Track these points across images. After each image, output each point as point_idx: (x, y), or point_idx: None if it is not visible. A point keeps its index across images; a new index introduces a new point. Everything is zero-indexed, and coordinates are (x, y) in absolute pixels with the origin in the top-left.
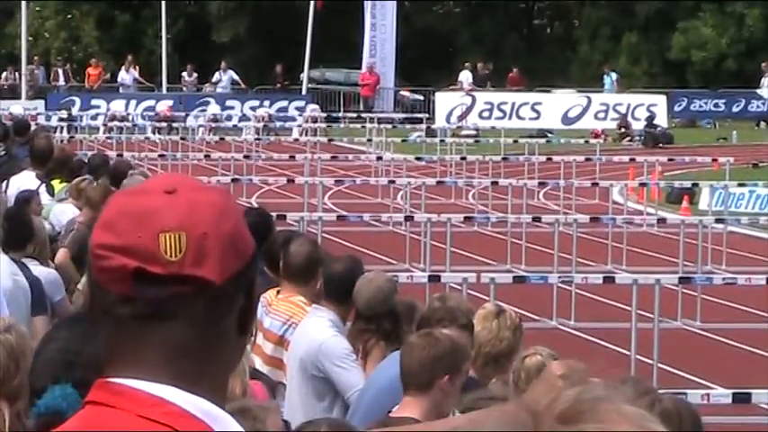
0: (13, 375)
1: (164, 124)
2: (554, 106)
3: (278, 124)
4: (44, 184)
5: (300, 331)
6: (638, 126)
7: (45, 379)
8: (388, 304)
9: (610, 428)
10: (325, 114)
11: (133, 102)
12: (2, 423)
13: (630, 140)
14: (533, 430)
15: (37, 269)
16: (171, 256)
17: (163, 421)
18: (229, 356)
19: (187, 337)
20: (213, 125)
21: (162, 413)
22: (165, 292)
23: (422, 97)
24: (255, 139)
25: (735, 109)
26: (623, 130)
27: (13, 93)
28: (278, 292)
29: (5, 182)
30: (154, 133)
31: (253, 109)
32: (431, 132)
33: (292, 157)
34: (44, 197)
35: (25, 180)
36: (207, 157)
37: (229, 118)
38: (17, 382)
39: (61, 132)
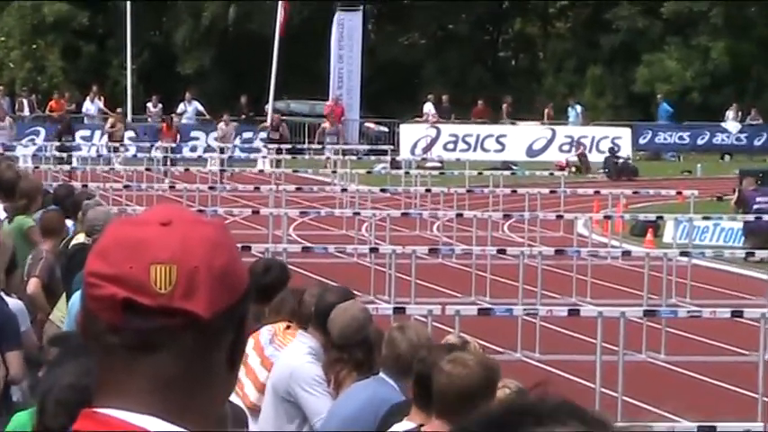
0: None
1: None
2: (519, 138)
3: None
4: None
5: (280, 355)
6: (599, 158)
7: (61, 418)
8: (361, 333)
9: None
10: (289, 146)
11: (98, 132)
12: None
13: (587, 171)
14: None
15: (10, 301)
16: (161, 288)
17: None
18: (217, 391)
19: (174, 370)
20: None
21: None
22: (153, 323)
23: (386, 129)
24: (220, 170)
25: (699, 142)
26: (581, 161)
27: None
28: (287, 326)
29: None
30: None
31: (216, 140)
32: (395, 164)
33: (257, 189)
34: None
35: None
36: (172, 187)
37: (194, 149)
38: None
39: (25, 162)
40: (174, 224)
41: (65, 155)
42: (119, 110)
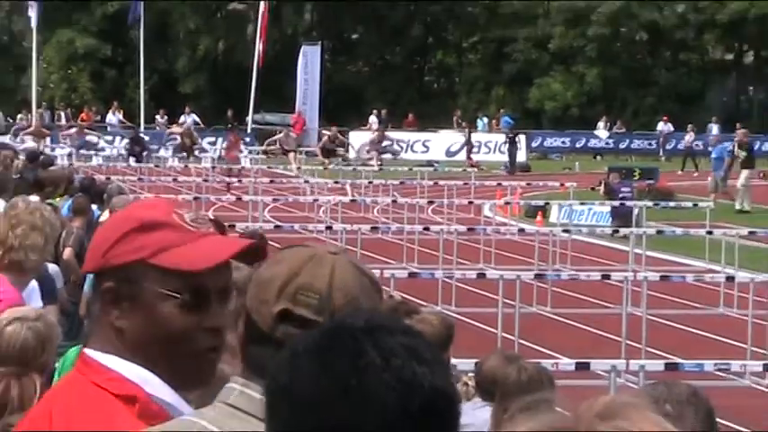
0: (40, 354)
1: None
2: (439, 143)
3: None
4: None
5: None
6: (503, 158)
7: None
8: None
9: (638, 428)
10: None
11: (118, 138)
12: (34, 390)
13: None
14: (576, 428)
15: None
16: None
17: (104, 386)
18: (167, 336)
19: (123, 320)
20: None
21: (105, 379)
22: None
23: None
24: (212, 167)
25: (577, 145)
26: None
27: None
28: None
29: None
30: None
31: (210, 144)
32: (346, 162)
33: (240, 181)
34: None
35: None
36: (174, 180)
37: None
38: (43, 360)
39: (62, 160)
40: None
41: (137, 164)
42: (182, 122)
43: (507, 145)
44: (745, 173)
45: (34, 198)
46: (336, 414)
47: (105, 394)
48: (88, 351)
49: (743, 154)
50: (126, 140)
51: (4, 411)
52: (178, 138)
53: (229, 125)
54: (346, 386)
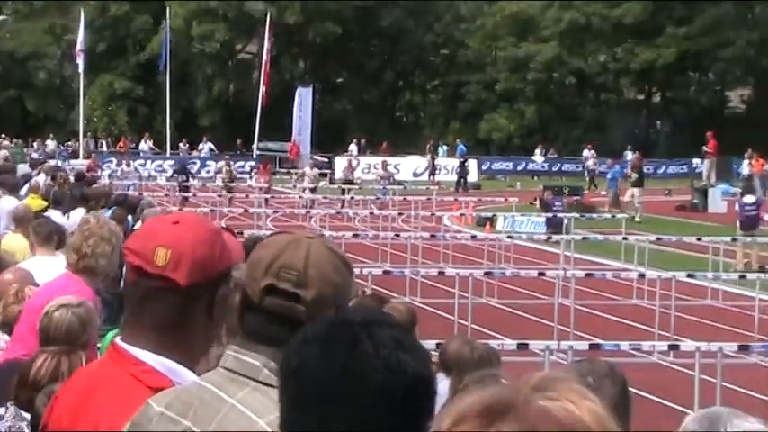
0: (83, 335)
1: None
2: (408, 166)
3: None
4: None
5: None
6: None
7: None
8: None
9: (564, 397)
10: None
11: (149, 161)
12: (80, 364)
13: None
14: (516, 398)
15: None
16: (158, 262)
17: (140, 378)
18: (200, 334)
19: (164, 316)
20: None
21: (140, 371)
22: (153, 283)
23: (327, 160)
24: (223, 185)
25: (519, 168)
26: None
27: (74, 155)
28: None
29: (69, 212)
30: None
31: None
32: (332, 181)
33: (247, 196)
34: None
35: (80, 212)
36: (194, 195)
37: (208, 172)
38: (85, 339)
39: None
40: (180, 224)
41: (184, 194)
42: (200, 148)
43: (459, 168)
44: (635, 191)
45: (81, 210)
46: (336, 390)
47: (140, 385)
48: (123, 344)
49: (634, 175)
50: (168, 169)
51: (54, 384)
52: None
53: (238, 152)
54: (344, 368)
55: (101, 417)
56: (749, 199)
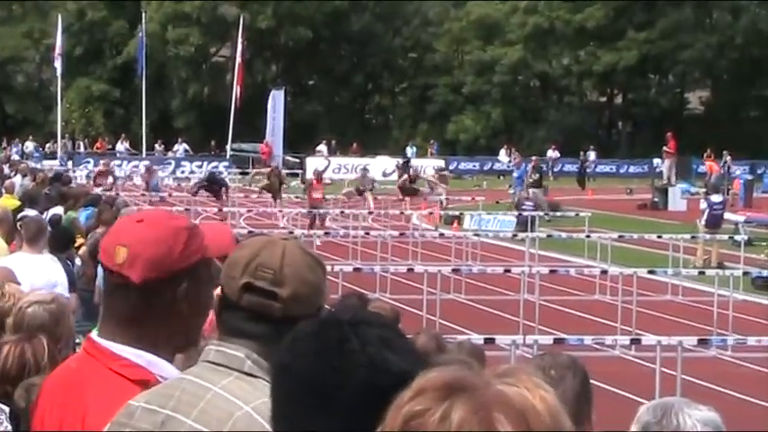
0: (56, 327)
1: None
2: (377, 166)
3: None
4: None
5: None
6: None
7: None
8: None
9: (521, 384)
10: (240, 170)
11: (125, 162)
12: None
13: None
14: (478, 381)
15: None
16: (118, 260)
17: (121, 372)
18: (176, 328)
19: (127, 310)
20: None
21: (120, 366)
22: (114, 279)
23: (298, 160)
24: (196, 184)
25: (485, 168)
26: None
27: (53, 156)
28: None
29: (46, 210)
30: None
31: (198, 167)
32: (304, 181)
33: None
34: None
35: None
36: (170, 195)
37: (183, 172)
38: (58, 331)
39: (80, 179)
40: (143, 222)
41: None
42: (269, 167)
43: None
44: (535, 191)
45: (59, 209)
46: (324, 386)
47: (123, 380)
48: (99, 339)
49: (535, 176)
50: (195, 178)
51: (23, 372)
52: (263, 178)
53: (212, 152)
54: (332, 365)
55: (89, 414)
56: (717, 198)
